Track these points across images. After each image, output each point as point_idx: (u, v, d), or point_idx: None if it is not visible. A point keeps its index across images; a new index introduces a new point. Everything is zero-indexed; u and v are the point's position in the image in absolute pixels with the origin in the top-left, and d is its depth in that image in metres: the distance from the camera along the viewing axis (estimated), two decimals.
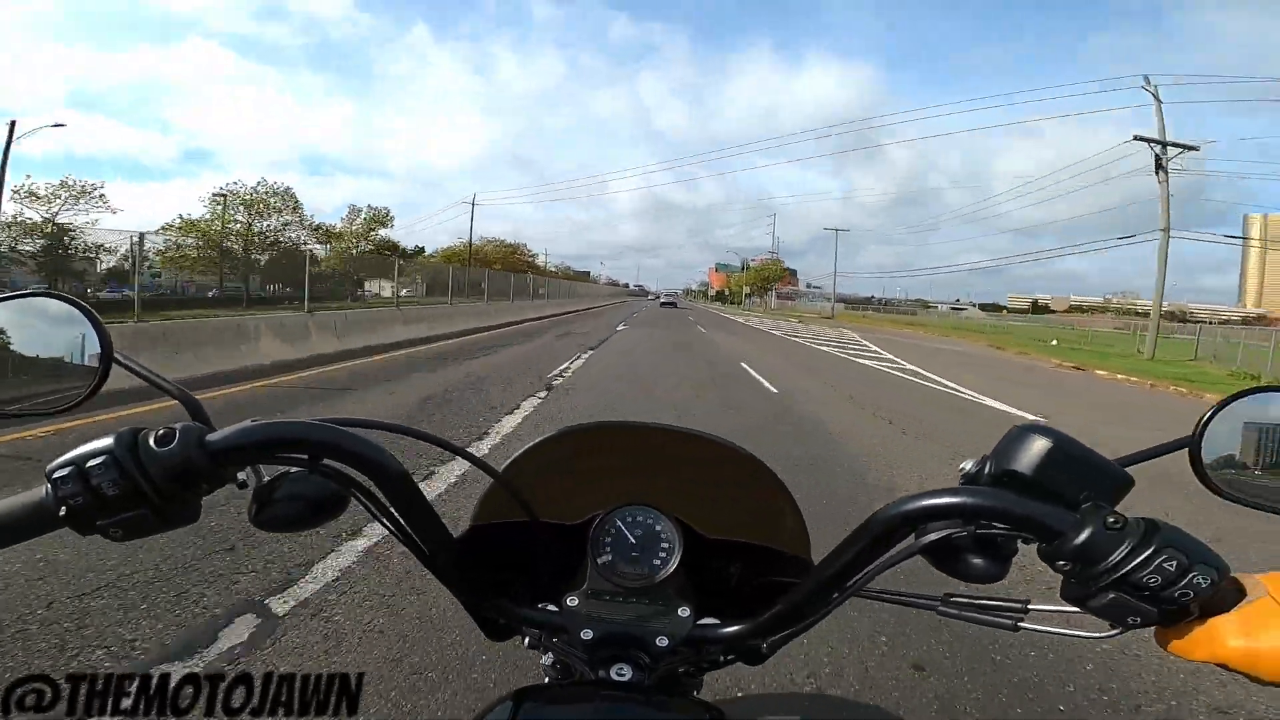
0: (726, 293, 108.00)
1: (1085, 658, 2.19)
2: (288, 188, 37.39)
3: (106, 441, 0.42)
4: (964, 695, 1.97)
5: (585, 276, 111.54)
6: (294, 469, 0.47)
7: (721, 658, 0.58)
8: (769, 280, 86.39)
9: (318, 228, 39.77)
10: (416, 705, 1.80)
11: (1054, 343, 27.00)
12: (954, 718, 1.88)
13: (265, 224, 36.31)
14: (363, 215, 43.69)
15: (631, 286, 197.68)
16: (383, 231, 44.12)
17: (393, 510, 0.51)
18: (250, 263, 30.37)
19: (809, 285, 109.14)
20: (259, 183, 36.42)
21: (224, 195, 35.26)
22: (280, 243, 35.14)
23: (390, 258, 29.34)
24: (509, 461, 0.65)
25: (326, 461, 0.47)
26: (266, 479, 0.48)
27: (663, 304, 65.61)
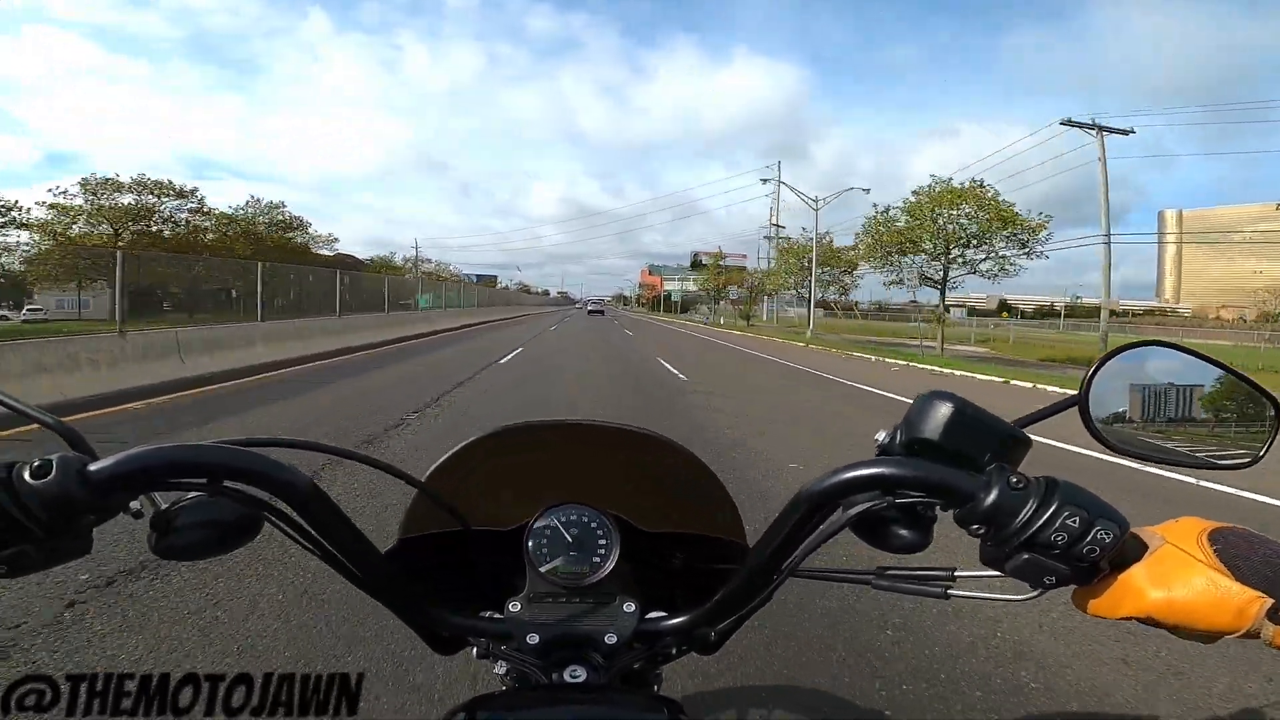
0: (713, 294, 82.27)
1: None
2: None
3: None
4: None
5: (491, 283, 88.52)
6: (194, 494, 0.45)
7: (674, 649, 0.58)
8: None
9: None
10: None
11: None
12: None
13: None
14: None
15: (553, 294, 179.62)
16: None
17: (310, 529, 0.49)
18: None
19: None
20: None
21: None
22: None
23: None
24: (432, 469, 0.63)
25: (229, 484, 0.44)
26: (164, 506, 0.45)
27: (590, 312, 58.53)
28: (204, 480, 0.44)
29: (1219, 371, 0.52)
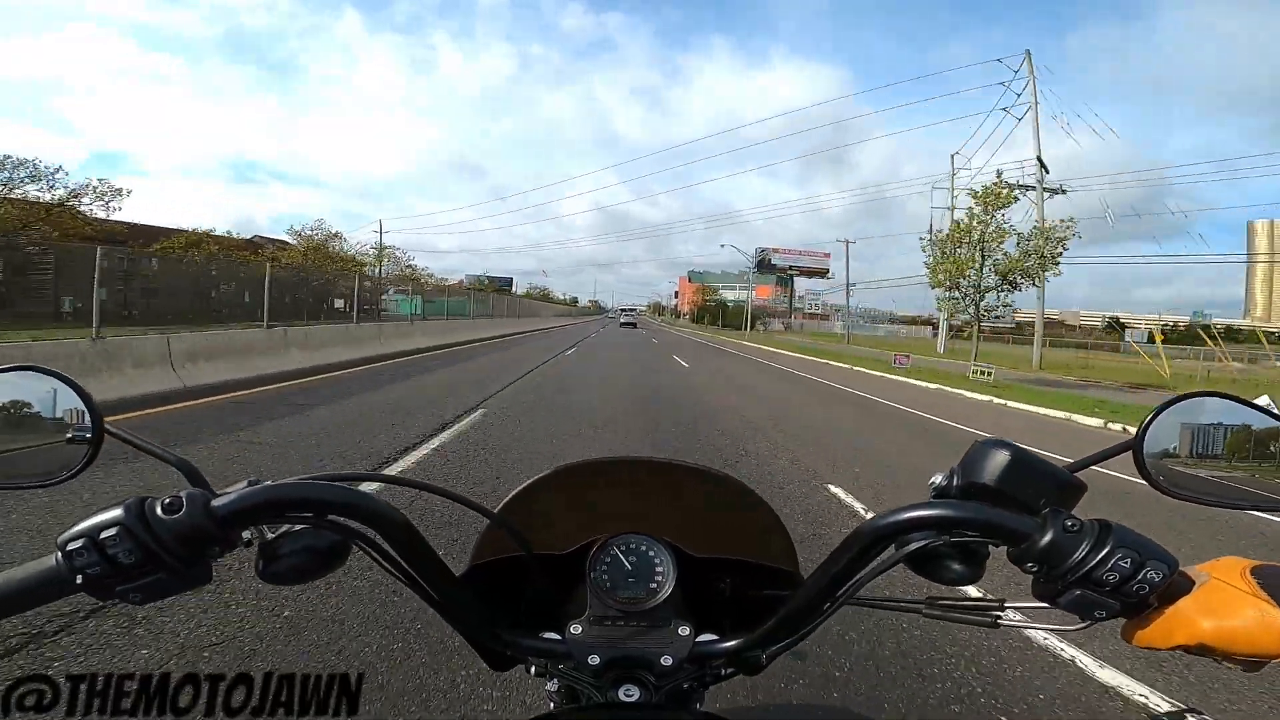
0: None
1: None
2: None
3: (116, 512, 0.43)
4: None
5: (506, 290, 72.04)
6: (297, 525, 0.49)
7: (722, 671, 0.61)
8: None
9: None
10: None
11: None
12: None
13: None
14: None
15: (584, 302, 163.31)
16: None
17: (397, 556, 0.52)
18: None
19: (807, 300, 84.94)
20: None
21: None
22: None
23: None
24: (505, 501, 0.67)
25: (332, 517, 0.48)
26: (270, 535, 0.49)
27: (623, 324, 53.58)
28: (311, 515, 0.48)
29: (1273, 420, 0.52)
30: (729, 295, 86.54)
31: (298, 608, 2.33)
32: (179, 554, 0.43)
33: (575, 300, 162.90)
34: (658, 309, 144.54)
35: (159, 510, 0.43)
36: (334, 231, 35.13)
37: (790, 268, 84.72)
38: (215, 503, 0.44)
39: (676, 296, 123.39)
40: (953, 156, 31.45)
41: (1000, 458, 0.49)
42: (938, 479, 0.52)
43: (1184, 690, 2.08)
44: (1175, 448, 0.53)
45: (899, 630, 2.35)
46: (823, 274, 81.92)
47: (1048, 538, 0.44)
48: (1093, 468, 0.53)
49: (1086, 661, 2.24)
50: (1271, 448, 0.53)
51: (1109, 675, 2.16)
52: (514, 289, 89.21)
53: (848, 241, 50.28)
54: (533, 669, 0.62)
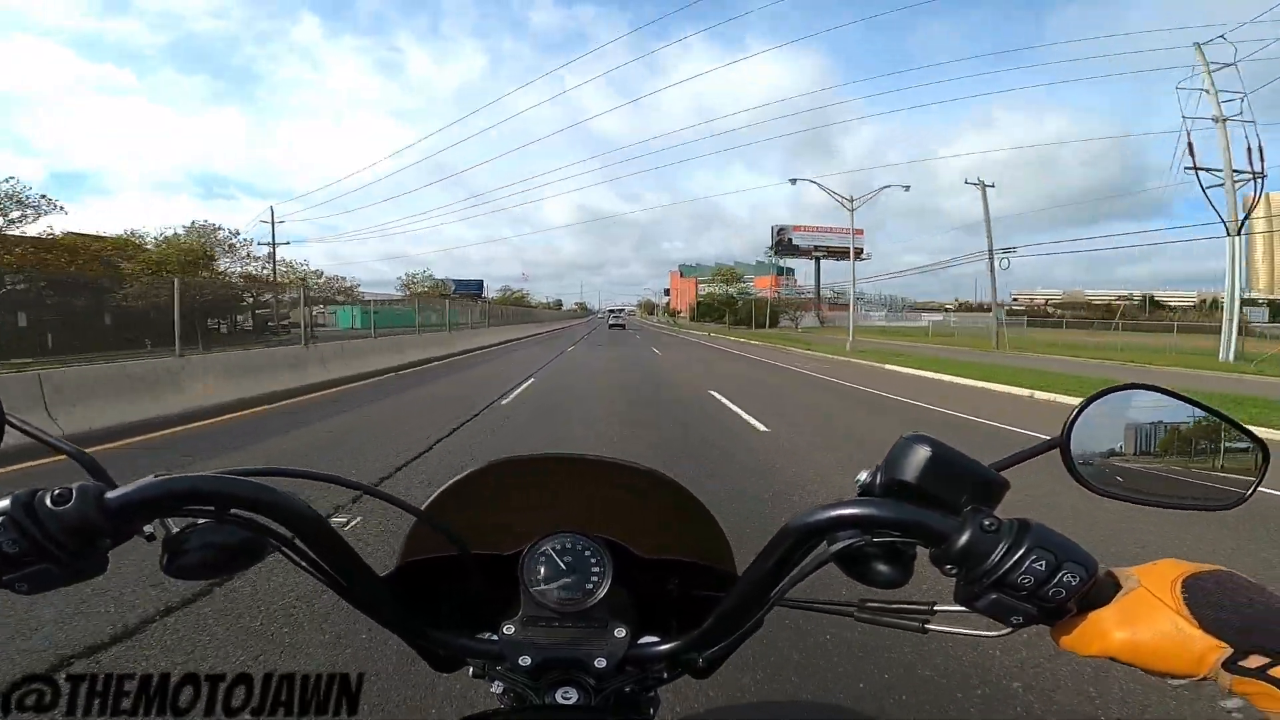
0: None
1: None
2: None
3: (3, 503, 0.43)
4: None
5: (475, 296, 59.81)
6: (203, 520, 0.48)
7: (665, 673, 0.60)
8: None
9: None
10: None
11: None
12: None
13: None
14: None
15: (570, 305, 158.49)
16: None
17: (312, 554, 0.52)
18: None
19: (825, 293, 73.75)
20: None
21: None
22: None
23: None
24: (433, 498, 0.66)
25: (235, 511, 0.48)
26: (175, 530, 0.48)
27: (611, 325, 51.30)
28: (211, 508, 0.47)
29: (1203, 412, 0.53)
30: (719, 290, 70.81)
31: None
32: (67, 545, 0.43)
33: (560, 303, 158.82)
34: (649, 308, 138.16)
35: (48, 501, 0.43)
36: (50, 203, 20.67)
37: (815, 248, 68.82)
38: (109, 495, 0.44)
39: (668, 293, 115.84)
40: (1199, 46, 20.65)
41: (921, 454, 0.48)
42: (863, 476, 0.51)
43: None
44: (1106, 443, 0.53)
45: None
46: (855, 254, 77.40)
47: (965, 537, 0.42)
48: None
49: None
50: (1200, 444, 0.54)
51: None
52: (485, 293, 79.56)
53: (984, 184, 27.76)
54: (471, 670, 0.62)
